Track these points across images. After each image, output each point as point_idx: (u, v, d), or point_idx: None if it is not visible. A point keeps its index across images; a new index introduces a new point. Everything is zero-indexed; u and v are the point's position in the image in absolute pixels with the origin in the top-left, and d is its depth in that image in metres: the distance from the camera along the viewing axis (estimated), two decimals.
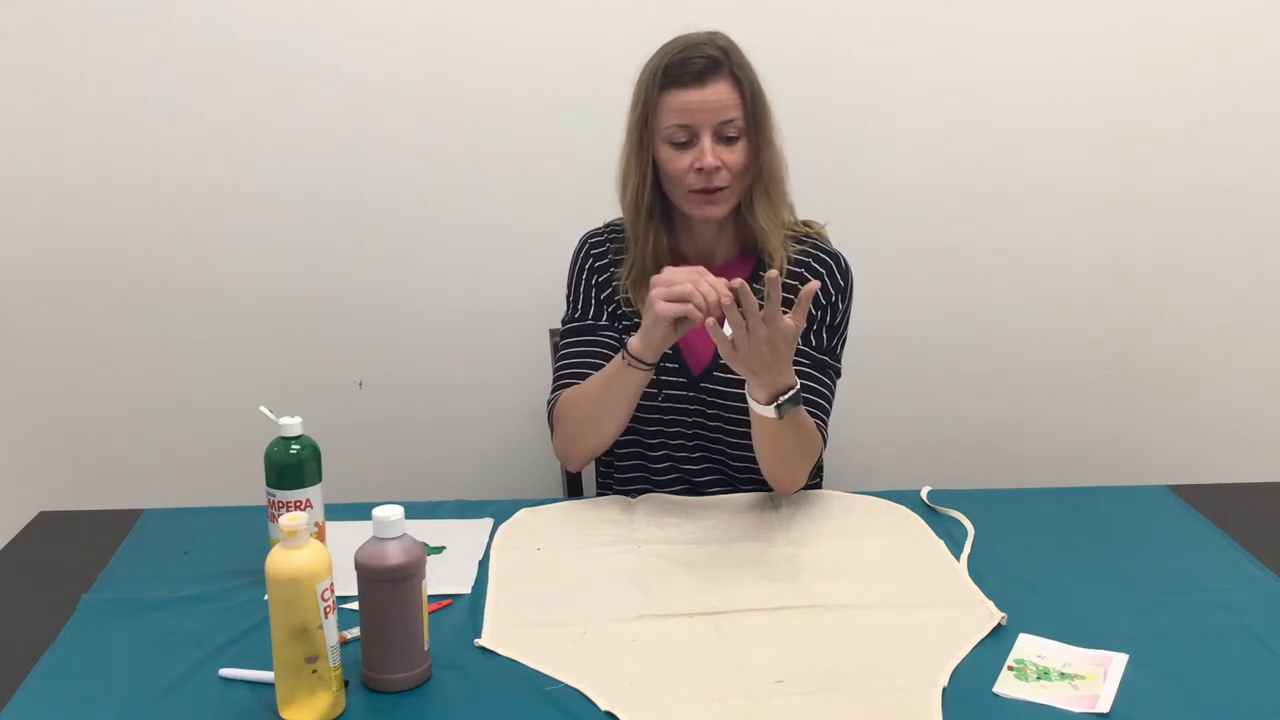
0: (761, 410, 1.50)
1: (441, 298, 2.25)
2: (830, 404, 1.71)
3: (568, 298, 1.79)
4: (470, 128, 2.17)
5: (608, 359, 1.67)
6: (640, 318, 1.62)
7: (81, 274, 2.20)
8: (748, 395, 1.51)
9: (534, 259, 2.05)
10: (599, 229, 1.80)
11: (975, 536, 1.52)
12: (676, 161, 1.62)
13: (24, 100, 2.12)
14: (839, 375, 1.73)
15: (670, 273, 1.51)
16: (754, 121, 1.62)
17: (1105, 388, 2.35)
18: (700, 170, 1.60)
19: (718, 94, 1.59)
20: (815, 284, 1.45)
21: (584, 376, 1.68)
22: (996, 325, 2.31)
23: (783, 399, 1.48)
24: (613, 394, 1.62)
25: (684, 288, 1.48)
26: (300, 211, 2.19)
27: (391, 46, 2.13)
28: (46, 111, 2.13)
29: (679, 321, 1.52)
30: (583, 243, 1.80)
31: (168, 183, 2.17)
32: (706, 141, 1.59)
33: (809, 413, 1.60)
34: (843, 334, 1.74)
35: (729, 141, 1.61)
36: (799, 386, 1.50)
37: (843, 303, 1.72)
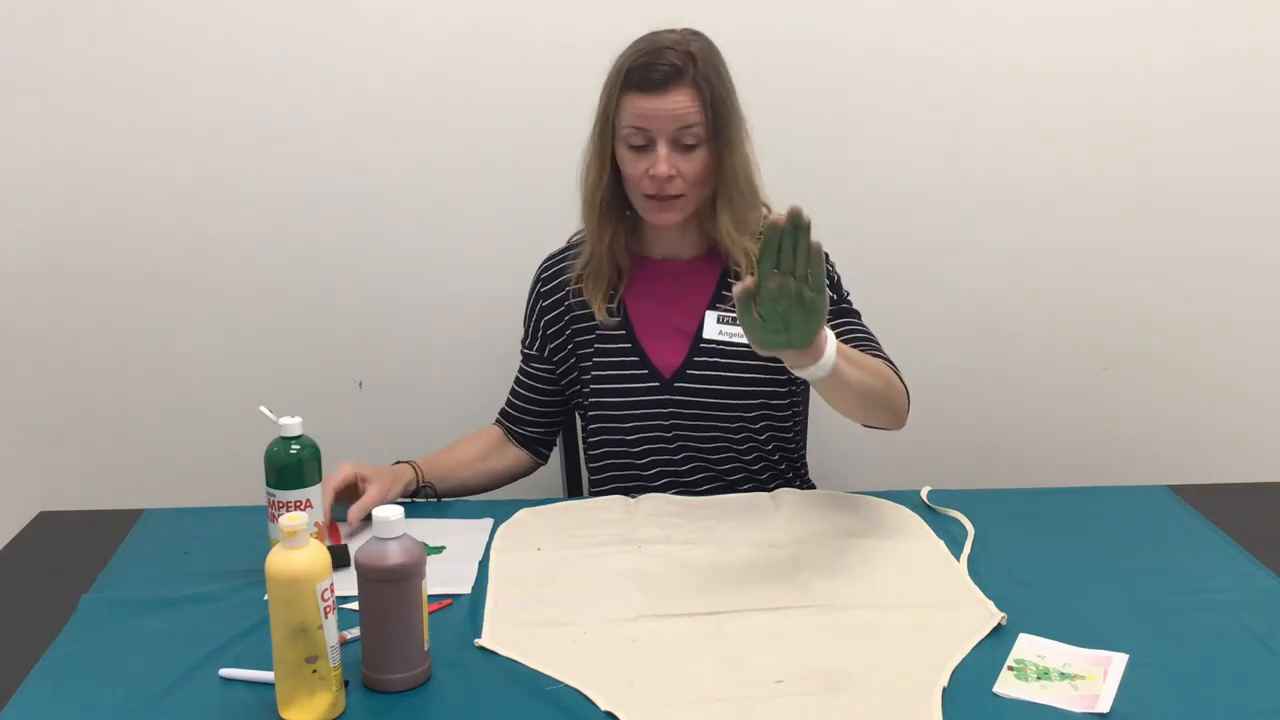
0: (819, 369, 1.34)
1: (441, 298, 2.25)
2: (873, 336, 1.69)
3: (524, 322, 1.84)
4: (471, 127, 2.17)
5: (535, 390, 1.80)
6: (593, 316, 1.70)
7: (82, 274, 2.20)
8: (795, 372, 1.36)
9: (535, 258, 2.03)
10: (556, 252, 1.81)
11: (975, 536, 1.52)
12: (632, 165, 1.60)
13: (24, 101, 2.12)
14: (860, 315, 1.72)
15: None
16: (716, 129, 1.58)
17: (1105, 388, 2.35)
18: (654, 177, 1.59)
19: (675, 103, 1.56)
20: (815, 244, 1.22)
21: (515, 406, 1.83)
22: (996, 325, 2.31)
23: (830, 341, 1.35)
24: None
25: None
26: (300, 211, 2.19)
27: (392, 47, 2.13)
28: (47, 112, 2.13)
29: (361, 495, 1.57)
30: (538, 271, 1.81)
31: (167, 183, 2.17)
32: (662, 149, 1.57)
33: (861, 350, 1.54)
34: (841, 289, 1.73)
35: (687, 150, 1.59)
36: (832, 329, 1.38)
37: (831, 272, 1.72)
